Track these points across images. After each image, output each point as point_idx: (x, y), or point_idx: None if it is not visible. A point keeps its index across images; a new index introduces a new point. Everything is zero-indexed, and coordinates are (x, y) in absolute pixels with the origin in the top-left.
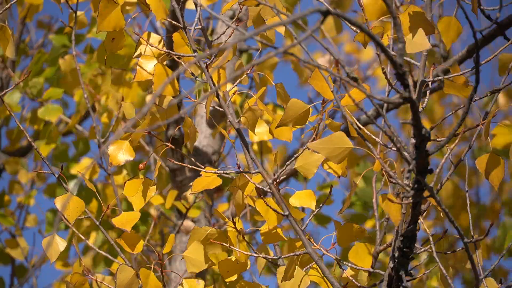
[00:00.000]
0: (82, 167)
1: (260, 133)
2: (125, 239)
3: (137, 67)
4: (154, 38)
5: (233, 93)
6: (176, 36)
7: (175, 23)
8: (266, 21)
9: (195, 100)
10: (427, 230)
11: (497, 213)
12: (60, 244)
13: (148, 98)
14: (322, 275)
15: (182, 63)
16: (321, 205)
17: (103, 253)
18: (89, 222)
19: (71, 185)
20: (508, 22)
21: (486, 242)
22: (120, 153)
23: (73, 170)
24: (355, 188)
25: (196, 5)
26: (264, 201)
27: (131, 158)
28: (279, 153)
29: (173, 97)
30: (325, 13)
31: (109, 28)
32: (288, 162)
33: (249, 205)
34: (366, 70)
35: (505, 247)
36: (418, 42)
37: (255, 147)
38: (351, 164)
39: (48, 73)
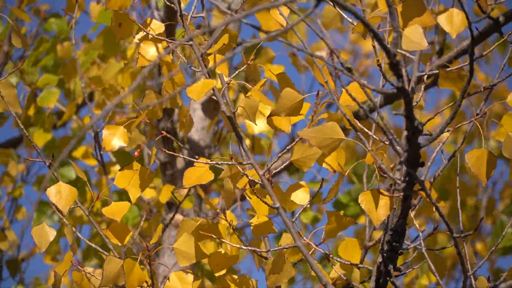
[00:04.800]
0: (78, 155)
1: (259, 126)
2: (113, 230)
3: (139, 52)
4: (155, 24)
5: (228, 83)
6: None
7: (173, 6)
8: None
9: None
10: (417, 226)
11: (489, 210)
12: (50, 233)
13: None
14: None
15: (171, 47)
16: (310, 199)
17: (93, 245)
18: (80, 213)
19: (69, 173)
20: (505, 19)
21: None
22: (114, 138)
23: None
24: (341, 178)
25: None
26: (254, 192)
27: (125, 145)
28: (271, 145)
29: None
30: None
31: (116, 7)
32: (279, 154)
33: (240, 199)
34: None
35: (500, 245)
36: (415, 40)
37: (248, 142)
38: (347, 158)
39: (46, 60)
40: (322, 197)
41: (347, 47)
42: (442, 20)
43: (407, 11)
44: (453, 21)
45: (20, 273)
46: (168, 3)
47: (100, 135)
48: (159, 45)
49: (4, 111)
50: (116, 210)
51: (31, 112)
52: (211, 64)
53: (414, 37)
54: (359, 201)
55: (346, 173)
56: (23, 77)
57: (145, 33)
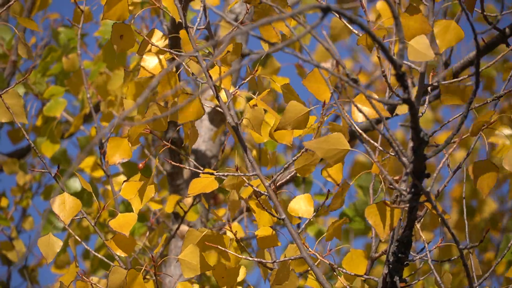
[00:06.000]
0: (85, 165)
1: (265, 135)
2: (118, 241)
3: (141, 64)
4: (159, 36)
5: (233, 94)
6: (183, 34)
7: (180, 20)
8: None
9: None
10: (423, 237)
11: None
12: (56, 243)
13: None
14: (316, 280)
15: (178, 59)
16: (315, 212)
17: (99, 255)
18: (88, 223)
19: (75, 184)
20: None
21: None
22: (117, 153)
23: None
24: (347, 187)
25: (203, 7)
26: (259, 201)
27: (128, 159)
28: (276, 155)
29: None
30: (325, 10)
31: (114, 18)
32: (286, 165)
33: (246, 210)
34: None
35: (505, 258)
36: (421, 52)
37: (254, 153)
38: (356, 173)
39: (55, 69)
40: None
41: (370, 68)
42: (436, 30)
43: (404, 20)
44: (446, 35)
45: (34, 282)
46: (173, 16)
47: (105, 146)
48: (162, 57)
49: (11, 121)
50: (123, 223)
51: (39, 122)
52: (215, 74)
53: (421, 47)
54: (365, 215)
55: (352, 183)
56: (31, 87)
57: (149, 46)
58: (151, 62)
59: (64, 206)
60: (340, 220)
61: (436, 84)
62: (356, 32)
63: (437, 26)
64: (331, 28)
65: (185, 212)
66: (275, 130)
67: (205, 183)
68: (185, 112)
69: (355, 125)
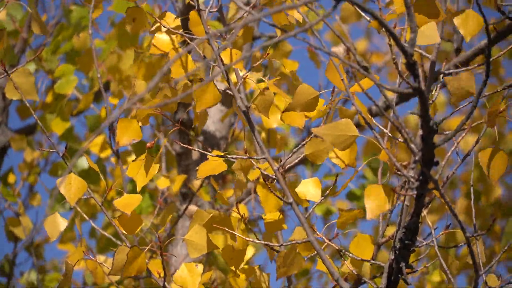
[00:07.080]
0: (93, 145)
1: (275, 119)
2: (123, 221)
3: (152, 41)
4: (170, 17)
5: (244, 77)
6: (193, 15)
7: (191, 2)
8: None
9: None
10: (430, 224)
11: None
12: (62, 223)
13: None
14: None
15: (191, 42)
16: (325, 195)
17: (106, 234)
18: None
19: (83, 162)
20: None
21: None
22: (127, 134)
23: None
24: (354, 174)
25: None
26: (267, 185)
27: (138, 139)
28: (285, 139)
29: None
30: None
31: None
32: (295, 150)
33: (254, 192)
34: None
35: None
36: (428, 35)
37: (263, 135)
38: (368, 152)
39: (66, 48)
40: (336, 191)
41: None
42: (457, 22)
43: (417, 8)
44: (468, 24)
45: (40, 257)
46: None
47: (115, 126)
48: (174, 36)
49: (21, 99)
50: (128, 203)
51: (49, 99)
52: (227, 57)
53: (427, 31)
54: (364, 193)
55: (360, 169)
56: (42, 64)
57: (161, 25)
58: (162, 40)
59: (70, 186)
60: (355, 211)
61: (445, 71)
62: (368, 19)
63: (458, 18)
64: (342, 10)
65: (194, 193)
66: (283, 112)
67: (213, 165)
68: (202, 99)
69: (363, 111)
